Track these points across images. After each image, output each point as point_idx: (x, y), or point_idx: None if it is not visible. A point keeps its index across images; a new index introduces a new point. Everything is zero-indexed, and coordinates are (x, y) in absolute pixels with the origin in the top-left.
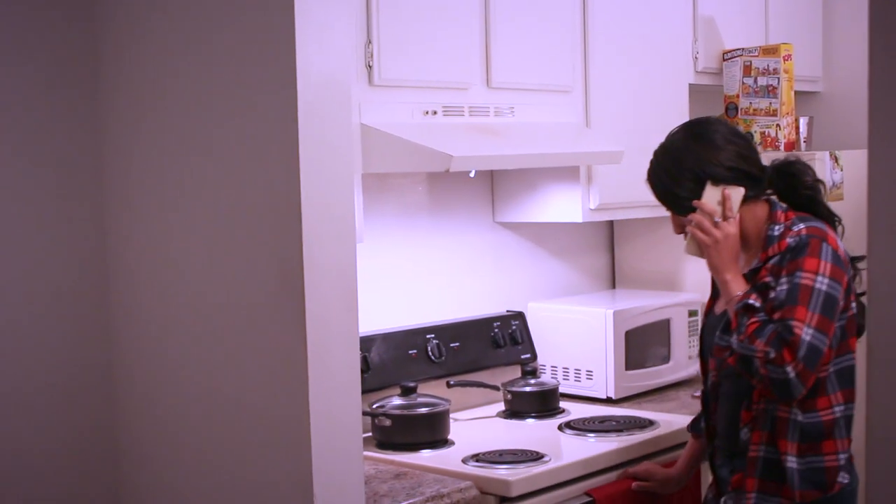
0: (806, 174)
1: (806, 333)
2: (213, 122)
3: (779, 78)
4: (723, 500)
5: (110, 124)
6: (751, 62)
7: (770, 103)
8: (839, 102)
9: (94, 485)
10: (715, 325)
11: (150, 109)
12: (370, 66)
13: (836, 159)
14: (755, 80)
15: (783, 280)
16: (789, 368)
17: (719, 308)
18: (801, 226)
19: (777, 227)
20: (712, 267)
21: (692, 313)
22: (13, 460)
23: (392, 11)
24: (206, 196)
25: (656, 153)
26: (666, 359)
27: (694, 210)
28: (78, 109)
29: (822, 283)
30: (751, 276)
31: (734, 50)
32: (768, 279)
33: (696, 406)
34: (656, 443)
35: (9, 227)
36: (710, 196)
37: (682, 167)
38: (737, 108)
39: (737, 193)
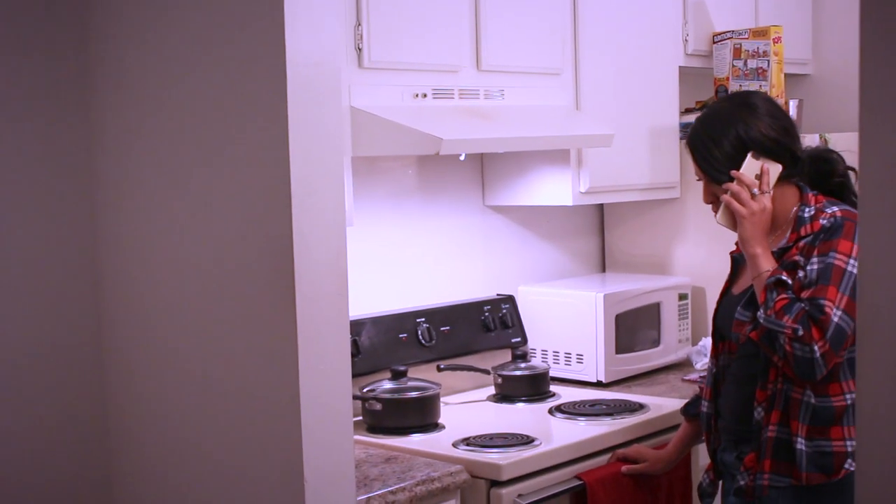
0: (840, 162)
1: (835, 314)
2: (202, 106)
3: (769, 60)
4: (737, 478)
5: (98, 108)
6: (741, 44)
7: (760, 86)
8: (828, 85)
9: (86, 471)
10: (732, 305)
11: (138, 93)
12: (360, 49)
13: (825, 142)
14: (745, 63)
15: (814, 260)
16: (816, 347)
17: (738, 288)
18: (835, 209)
19: (808, 209)
20: (743, 239)
21: (682, 297)
22: (3, 451)
23: None
24: (196, 180)
25: (699, 117)
26: (656, 342)
27: (729, 179)
28: (66, 89)
29: (853, 267)
30: (778, 255)
31: (724, 32)
32: (798, 258)
33: (687, 390)
34: (647, 426)
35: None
36: (749, 168)
37: (725, 130)
38: (727, 91)
39: (774, 169)
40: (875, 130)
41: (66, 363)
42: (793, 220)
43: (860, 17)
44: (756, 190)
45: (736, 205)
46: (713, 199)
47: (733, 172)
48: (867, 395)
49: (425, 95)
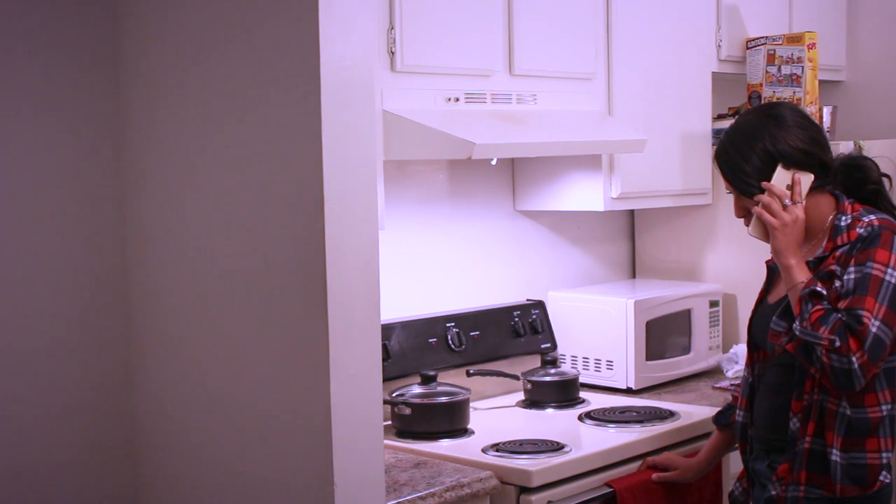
0: (873, 169)
1: (873, 325)
2: (237, 110)
3: (803, 66)
4: (768, 487)
5: (132, 110)
6: (774, 50)
7: (794, 92)
8: (863, 92)
9: (113, 477)
10: (768, 314)
11: (172, 98)
12: (392, 52)
13: (860, 149)
14: (779, 69)
15: (852, 269)
16: (854, 358)
17: (773, 297)
18: (872, 217)
19: (844, 218)
20: (776, 251)
21: (713, 304)
22: (31, 461)
23: None
24: (229, 183)
25: (727, 132)
26: (686, 349)
27: (760, 191)
28: (99, 92)
29: (892, 276)
30: (814, 265)
31: (758, 38)
32: (834, 268)
33: (717, 397)
34: (677, 434)
35: (30, 218)
36: (780, 179)
37: (753, 144)
38: (760, 97)
39: (806, 179)
40: None
41: (95, 370)
42: (829, 229)
43: None
44: (787, 201)
45: (767, 216)
46: (745, 213)
47: (764, 184)
48: None
49: (458, 99)
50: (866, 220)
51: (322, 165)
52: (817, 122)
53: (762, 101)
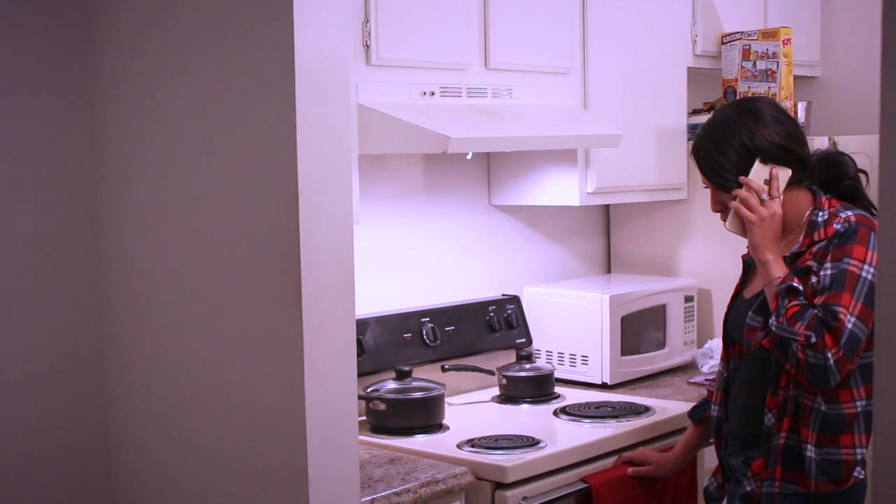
0: (850, 165)
1: (849, 321)
2: (211, 103)
3: (778, 62)
4: (743, 483)
5: (106, 102)
6: (750, 46)
7: (769, 87)
8: (837, 87)
9: (86, 473)
10: (743, 310)
11: (145, 90)
12: (367, 46)
13: (835, 144)
14: (754, 64)
15: (828, 265)
16: (830, 354)
17: (749, 292)
18: (849, 213)
19: (821, 214)
20: (753, 246)
21: (688, 299)
22: (2, 455)
23: None
24: (204, 177)
25: (704, 126)
26: (661, 345)
27: (737, 186)
28: (72, 84)
29: (867, 272)
30: (791, 260)
31: (733, 33)
32: (811, 263)
33: (692, 392)
34: (652, 429)
35: (2, 220)
36: (758, 174)
37: (730, 139)
38: (735, 92)
39: (784, 174)
40: (895, 132)
41: (68, 363)
42: (806, 224)
43: (882, 18)
44: (765, 196)
45: (745, 211)
46: (721, 208)
47: (742, 178)
48: (885, 406)
49: (433, 93)
50: (843, 215)
51: (297, 159)
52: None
53: (737, 97)
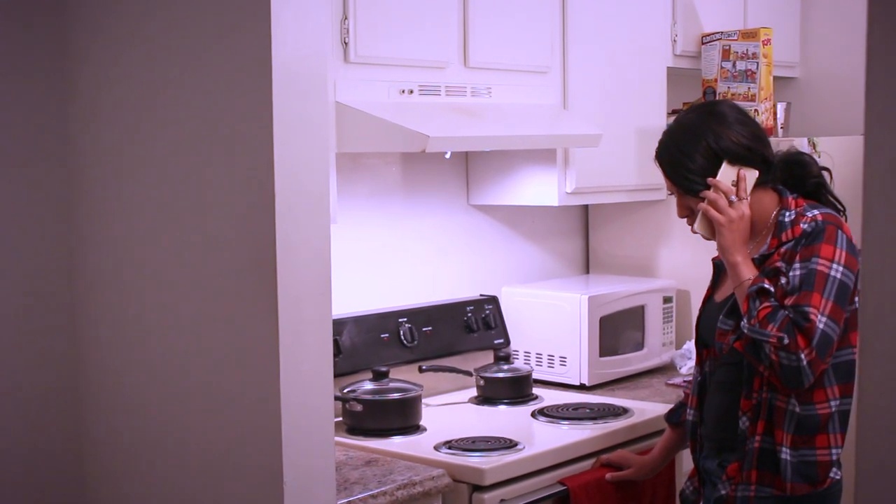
0: (813, 164)
1: (820, 321)
2: (186, 100)
3: (758, 63)
4: (718, 487)
5: (79, 97)
6: (729, 46)
7: (748, 88)
8: (816, 88)
9: (60, 474)
10: (715, 313)
11: (119, 86)
12: (346, 43)
13: (814, 146)
14: (734, 65)
15: (797, 265)
16: (803, 355)
17: (720, 296)
18: (816, 212)
19: (788, 214)
20: (723, 248)
21: (667, 300)
22: None
23: None
24: (177, 174)
25: (667, 130)
26: (639, 346)
27: (705, 188)
28: (44, 84)
29: (836, 271)
30: (760, 262)
31: (713, 33)
32: (780, 264)
33: (670, 394)
34: (631, 431)
35: None
36: (725, 176)
37: (696, 142)
38: (715, 93)
39: (750, 175)
40: (881, 133)
41: (41, 369)
42: (773, 225)
43: (868, 19)
44: (734, 197)
45: (714, 213)
46: (688, 213)
47: (710, 180)
48: (869, 402)
49: (412, 92)
50: (810, 214)
51: (273, 158)
52: (771, 118)
53: (717, 97)
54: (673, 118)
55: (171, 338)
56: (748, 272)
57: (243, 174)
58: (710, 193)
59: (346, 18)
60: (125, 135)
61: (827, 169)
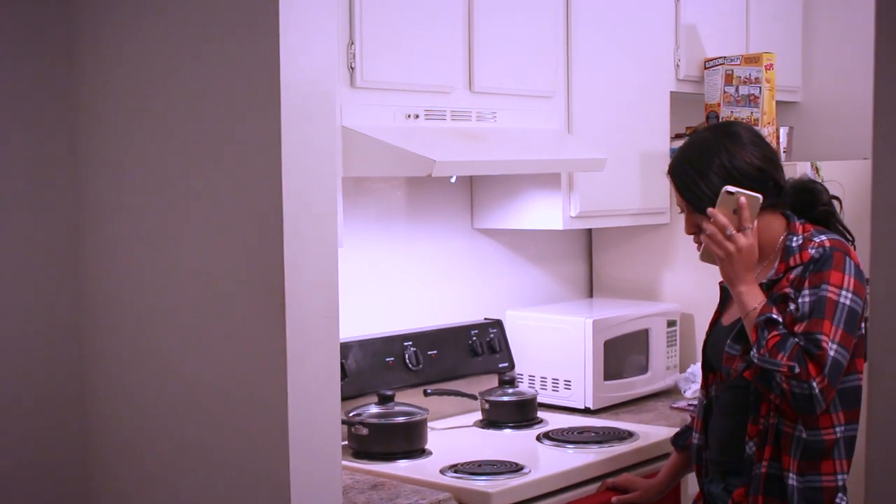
0: (824, 192)
1: (831, 349)
2: (197, 124)
3: (760, 87)
4: None
5: (89, 119)
6: (732, 70)
7: (751, 112)
8: (818, 113)
9: (64, 484)
10: (722, 337)
11: (130, 109)
12: (352, 68)
13: (816, 170)
14: (736, 89)
15: (806, 292)
16: (815, 383)
17: (727, 319)
18: (823, 238)
19: (796, 239)
20: (726, 279)
21: (671, 323)
22: None
23: (375, 12)
24: (188, 198)
25: (681, 148)
26: (644, 369)
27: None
28: (54, 95)
29: (846, 298)
30: (767, 287)
31: (716, 58)
32: (788, 290)
33: (675, 417)
34: (636, 455)
35: None
36: (725, 204)
37: (709, 160)
38: (718, 117)
39: (754, 201)
40: (889, 160)
41: (49, 385)
42: (780, 250)
43: (875, 39)
44: (731, 231)
45: (713, 247)
46: (696, 230)
47: (709, 211)
48: (878, 427)
49: (417, 116)
50: (817, 240)
51: (281, 181)
52: (773, 142)
53: (720, 121)
54: (677, 142)
55: (176, 360)
56: (754, 301)
57: (252, 199)
58: (709, 226)
59: (352, 43)
60: (134, 156)
61: (837, 198)
